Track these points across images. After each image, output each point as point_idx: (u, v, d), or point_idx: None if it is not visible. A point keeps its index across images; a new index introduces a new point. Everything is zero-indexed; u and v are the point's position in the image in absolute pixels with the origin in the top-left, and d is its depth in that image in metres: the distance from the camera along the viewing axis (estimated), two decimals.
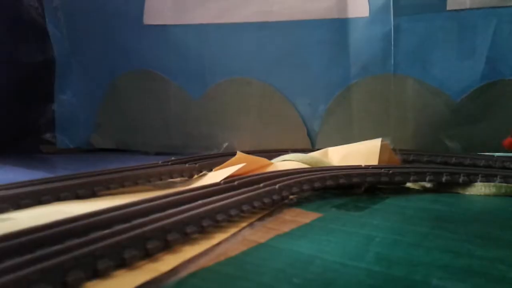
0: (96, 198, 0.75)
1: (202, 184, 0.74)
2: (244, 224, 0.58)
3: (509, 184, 0.81)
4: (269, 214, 0.64)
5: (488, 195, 0.80)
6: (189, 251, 0.47)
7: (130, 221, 0.48)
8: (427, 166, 0.91)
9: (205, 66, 1.67)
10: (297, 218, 0.63)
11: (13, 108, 1.91)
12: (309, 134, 1.54)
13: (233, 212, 0.58)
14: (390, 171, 0.82)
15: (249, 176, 0.75)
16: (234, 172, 0.82)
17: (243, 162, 0.88)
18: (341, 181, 0.79)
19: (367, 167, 0.86)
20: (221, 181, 0.71)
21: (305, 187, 0.75)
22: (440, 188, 0.85)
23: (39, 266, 0.35)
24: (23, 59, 1.81)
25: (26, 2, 1.78)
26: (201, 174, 0.90)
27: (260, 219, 0.61)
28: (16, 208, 0.65)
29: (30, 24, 1.79)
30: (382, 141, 0.97)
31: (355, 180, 0.80)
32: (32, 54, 1.82)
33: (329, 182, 0.78)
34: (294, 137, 1.54)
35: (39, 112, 1.98)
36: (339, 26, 1.54)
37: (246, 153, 0.94)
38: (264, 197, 0.66)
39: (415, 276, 0.41)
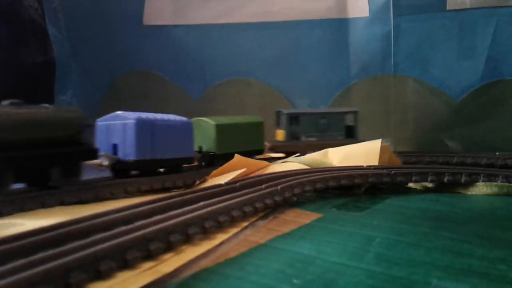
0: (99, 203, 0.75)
1: None
2: (245, 224, 0.58)
3: (511, 184, 0.81)
4: (270, 215, 0.64)
5: (490, 195, 0.80)
6: (191, 252, 0.47)
7: (132, 222, 0.48)
8: (428, 166, 0.91)
9: (205, 66, 1.68)
10: (297, 218, 0.63)
11: None
12: None
13: (235, 213, 0.59)
14: (392, 172, 0.83)
15: (251, 178, 0.75)
16: (235, 176, 0.82)
17: (241, 164, 0.88)
18: (343, 181, 0.79)
19: (368, 167, 0.87)
20: (223, 182, 0.71)
21: (307, 188, 0.75)
22: (441, 188, 0.85)
23: (41, 268, 0.35)
24: (23, 59, 1.81)
25: (26, 3, 1.78)
26: (201, 180, 0.90)
27: (260, 220, 0.62)
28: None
29: (30, 25, 1.79)
30: (381, 142, 0.97)
31: (357, 180, 0.80)
32: (32, 55, 1.82)
33: (331, 183, 0.78)
34: None
35: None
36: (339, 26, 1.54)
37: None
38: (266, 198, 0.66)
39: (415, 276, 0.41)
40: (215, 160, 1.05)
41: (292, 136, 1.29)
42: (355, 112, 1.35)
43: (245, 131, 1.12)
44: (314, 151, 1.04)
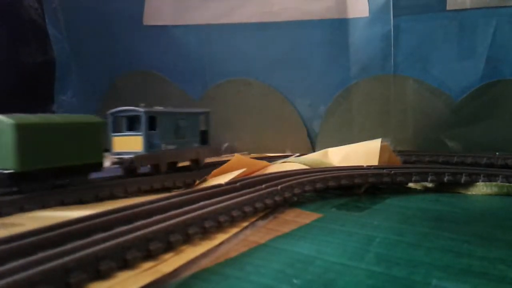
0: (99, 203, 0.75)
1: None
2: (245, 224, 0.59)
3: (511, 184, 0.81)
4: (270, 215, 0.64)
5: (490, 195, 0.80)
6: (191, 252, 0.47)
7: (132, 222, 0.48)
8: (429, 166, 0.91)
9: (205, 66, 1.68)
10: (297, 218, 0.63)
11: (13, 109, 1.91)
12: (309, 135, 1.54)
13: (235, 213, 0.59)
14: (392, 172, 0.83)
15: (251, 178, 0.75)
16: (235, 176, 0.82)
17: (240, 164, 0.88)
18: (343, 181, 0.79)
19: (368, 167, 0.87)
20: (223, 182, 0.71)
21: (307, 188, 0.75)
22: (441, 188, 0.85)
23: (41, 267, 0.35)
24: (23, 59, 1.81)
25: (26, 3, 1.78)
26: (201, 180, 0.90)
27: (260, 219, 0.62)
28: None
29: (30, 25, 1.79)
30: (381, 141, 0.97)
31: (357, 180, 0.80)
32: (32, 55, 1.82)
33: (331, 183, 0.78)
34: (294, 137, 1.54)
35: (39, 113, 1.98)
36: (339, 26, 1.54)
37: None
38: (266, 198, 0.66)
39: (415, 276, 0.41)
40: (15, 182, 0.69)
41: (150, 144, 0.95)
42: (206, 113, 1.13)
43: (71, 137, 0.77)
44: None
